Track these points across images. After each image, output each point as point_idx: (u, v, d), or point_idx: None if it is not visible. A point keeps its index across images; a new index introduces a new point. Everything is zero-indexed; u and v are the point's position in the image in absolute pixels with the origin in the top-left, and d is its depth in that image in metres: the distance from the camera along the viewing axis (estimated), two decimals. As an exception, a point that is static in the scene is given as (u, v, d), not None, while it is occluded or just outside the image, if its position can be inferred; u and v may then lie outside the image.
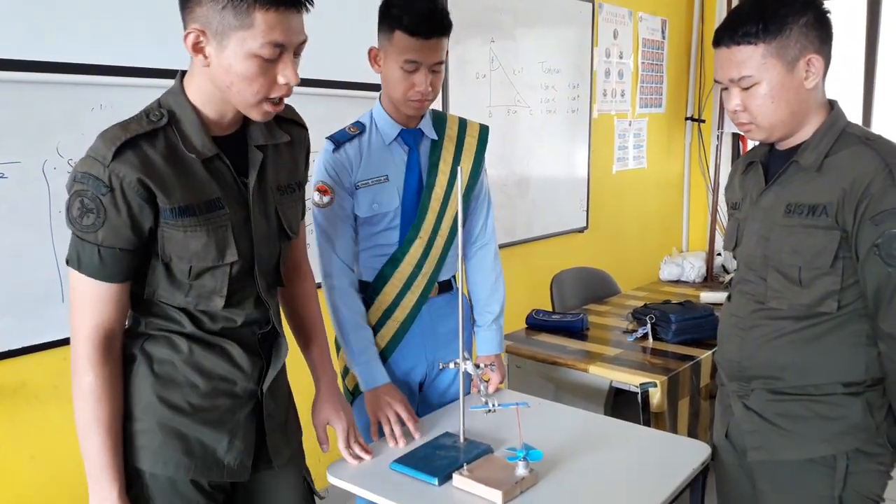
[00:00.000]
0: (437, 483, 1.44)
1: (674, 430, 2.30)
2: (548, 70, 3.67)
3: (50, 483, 2.06)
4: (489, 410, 1.51)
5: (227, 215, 1.23)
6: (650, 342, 2.58)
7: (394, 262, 1.78)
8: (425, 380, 1.87)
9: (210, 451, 1.27)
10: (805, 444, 1.42)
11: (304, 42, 1.19)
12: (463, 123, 1.86)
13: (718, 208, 4.48)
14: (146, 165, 1.15)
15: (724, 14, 4.47)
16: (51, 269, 1.98)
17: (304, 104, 2.44)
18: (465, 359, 1.56)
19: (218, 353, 1.28)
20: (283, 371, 1.42)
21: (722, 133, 4.52)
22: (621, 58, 4.23)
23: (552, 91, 3.72)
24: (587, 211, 4.06)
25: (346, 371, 1.83)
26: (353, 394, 1.81)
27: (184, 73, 1.24)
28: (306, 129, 1.43)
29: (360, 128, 1.75)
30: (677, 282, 3.81)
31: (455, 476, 1.43)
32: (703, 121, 4.75)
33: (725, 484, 1.63)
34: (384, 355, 1.80)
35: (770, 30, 1.32)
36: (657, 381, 2.20)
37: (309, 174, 1.50)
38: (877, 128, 4.15)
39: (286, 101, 1.26)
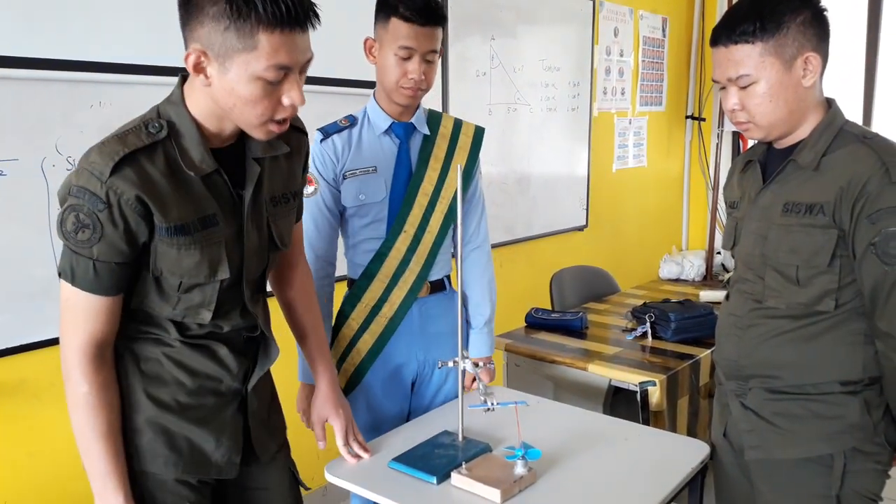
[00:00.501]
0: (435, 482, 1.44)
1: (673, 428, 2.30)
2: (548, 68, 3.66)
3: (48, 480, 2.06)
4: (488, 409, 1.51)
5: (222, 231, 1.21)
6: (649, 341, 2.57)
7: (380, 256, 1.78)
8: (417, 379, 1.86)
9: (198, 448, 1.27)
10: (803, 442, 1.42)
11: (310, 60, 1.16)
12: (458, 123, 1.86)
13: (718, 207, 4.48)
14: (144, 182, 1.12)
15: (724, 12, 4.45)
16: (49, 266, 1.97)
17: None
18: (464, 357, 1.55)
19: (204, 353, 1.27)
20: (268, 372, 1.41)
21: (722, 131, 4.52)
22: (622, 56, 4.22)
23: (552, 89, 3.71)
24: (587, 209, 4.06)
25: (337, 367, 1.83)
26: (345, 390, 1.81)
27: (184, 77, 1.20)
28: (306, 135, 1.41)
29: (350, 121, 1.77)
30: (677, 280, 3.81)
31: (454, 475, 1.43)
32: (704, 119, 4.75)
33: (723, 483, 1.63)
34: (373, 353, 1.80)
35: (768, 28, 1.31)
36: (656, 380, 2.20)
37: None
38: (877, 127, 4.14)
39: None
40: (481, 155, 1.90)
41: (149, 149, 1.14)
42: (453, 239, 1.87)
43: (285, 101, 1.14)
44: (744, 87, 1.37)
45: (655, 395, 2.20)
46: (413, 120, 1.78)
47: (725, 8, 4.45)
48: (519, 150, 3.57)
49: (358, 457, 1.55)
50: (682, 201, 4.97)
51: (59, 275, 1.16)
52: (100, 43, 2.03)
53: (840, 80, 4.16)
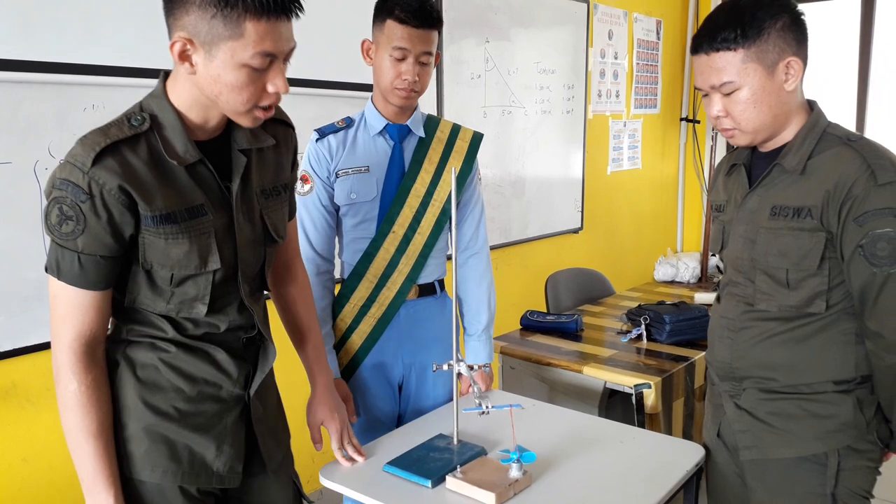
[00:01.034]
0: (430, 485, 1.43)
1: (668, 431, 2.30)
2: (543, 70, 3.67)
3: (42, 485, 2.05)
4: (483, 412, 1.51)
5: (210, 222, 1.21)
6: (644, 343, 2.57)
7: (368, 256, 1.78)
8: (403, 382, 1.86)
9: (198, 456, 1.25)
10: (797, 442, 1.42)
11: (293, 49, 1.17)
12: (456, 128, 1.87)
13: (713, 211, 4.48)
14: (127, 171, 1.12)
15: (704, 19, 4.46)
16: (41, 269, 1.96)
17: (296, 104, 2.46)
18: (458, 360, 1.55)
19: (202, 358, 1.26)
20: (270, 375, 1.40)
21: (716, 134, 4.53)
22: (616, 58, 4.23)
23: (547, 92, 3.71)
24: (582, 211, 4.06)
25: None
26: None
27: (166, 74, 1.21)
28: (293, 129, 1.41)
29: (347, 122, 1.79)
30: (672, 282, 3.81)
31: (448, 478, 1.43)
32: (698, 121, 4.76)
33: (717, 483, 1.63)
34: (361, 353, 1.80)
35: (748, 34, 1.32)
36: (651, 382, 2.20)
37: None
38: (870, 131, 4.17)
39: None
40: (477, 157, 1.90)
41: (131, 140, 1.14)
42: (449, 243, 1.88)
43: (270, 88, 1.16)
44: (727, 94, 1.37)
45: (650, 397, 2.20)
46: (409, 122, 1.78)
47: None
48: (514, 152, 3.57)
49: (352, 460, 1.54)
50: (676, 203, 4.98)
51: (46, 270, 1.16)
52: (93, 46, 2.03)
53: (833, 86, 4.19)
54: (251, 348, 1.34)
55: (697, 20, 4.69)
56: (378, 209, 1.78)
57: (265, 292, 1.40)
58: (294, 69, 1.22)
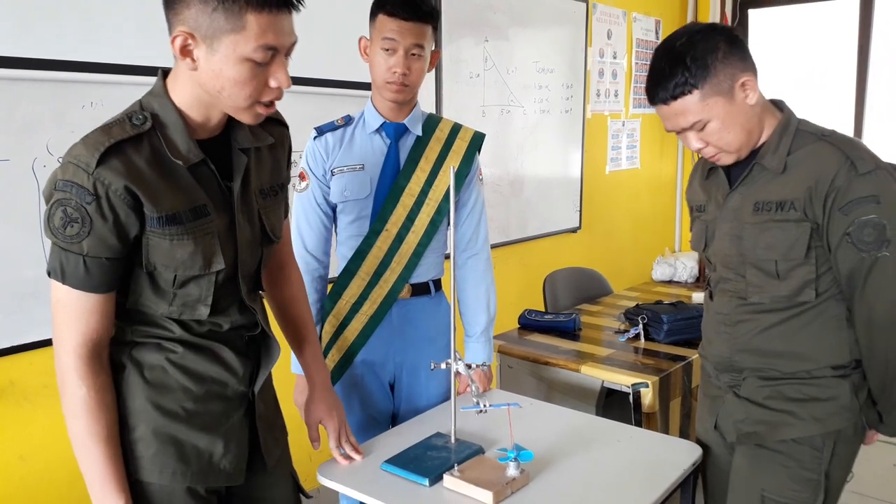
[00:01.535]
0: (427, 484, 1.43)
1: (665, 430, 2.30)
2: (541, 70, 3.67)
3: (39, 483, 2.05)
4: (480, 411, 1.51)
5: (213, 222, 1.20)
6: (642, 342, 2.58)
7: (360, 254, 1.79)
8: (395, 381, 1.86)
9: (206, 456, 1.24)
10: (797, 423, 1.46)
11: (294, 43, 1.16)
12: (456, 127, 1.86)
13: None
14: (132, 172, 1.10)
15: (716, 16, 4.48)
16: (40, 267, 1.96)
17: (295, 103, 2.46)
18: (456, 359, 1.55)
19: (208, 356, 1.25)
20: (269, 372, 1.41)
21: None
22: (615, 58, 4.24)
23: (546, 91, 3.72)
24: (580, 211, 4.07)
25: None
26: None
27: (165, 72, 1.20)
28: (287, 128, 1.41)
29: (346, 120, 1.80)
30: (670, 282, 3.82)
31: (446, 477, 1.43)
32: (697, 121, 4.76)
33: (713, 476, 1.65)
34: (353, 350, 1.81)
35: (698, 74, 1.36)
36: (649, 382, 2.20)
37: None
38: (868, 131, 4.18)
39: None
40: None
41: (134, 140, 1.12)
42: (447, 242, 1.88)
43: (272, 83, 1.14)
44: (700, 129, 1.41)
45: (648, 396, 2.20)
46: (406, 121, 1.78)
47: (718, 11, 4.48)
48: (512, 151, 3.58)
49: (350, 459, 1.54)
50: (674, 203, 4.99)
51: (49, 274, 1.13)
52: (91, 43, 2.03)
53: (832, 86, 4.20)
54: (254, 346, 1.34)
55: (696, 20, 4.69)
56: (371, 207, 1.78)
57: (260, 292, 1.40)
58: (294, 67, 1.21)
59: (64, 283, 1.12)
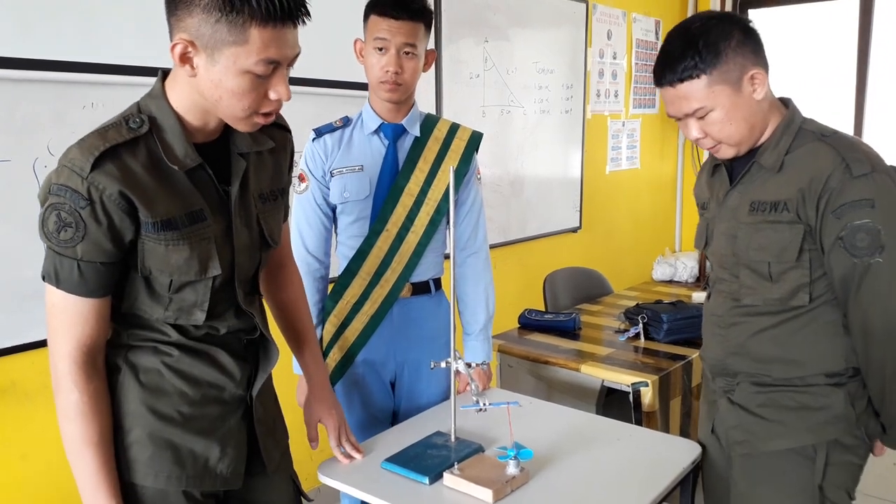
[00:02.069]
0: (427, 482, 1.44)
1: (665, 429, 2.30)
2: (541, 70, 3.68)
3: (41, 482, 2.05)
4: (480, 409, 1.51)
5: (210, 227, 1.19)
6: (642, 342, 2.58)
7: (361, 254, 1.79)
8: (396, 379, 1.87)
9: (202, 460, 1.23)
10: (788, 433, 1.43)
11: (297, 55, 1.15)
12: (454, 127, 1.87)
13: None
14: (127, 176, 1.09)
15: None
16: (40, 267, 1.97)
17: (293, 103, 2.44)
18: (456, 358, 1.56)
19: (205, 360, 1.24)
20: (269, 375, 1.39)
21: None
22: (615, 58, 4.24)
23: (546, 91, 3.72)
24: (580, 211, 4.07)
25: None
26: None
27: (165, 73, 1.19)
28: (290, 132, 1.40)
29: (345, 121, 1.81)
30: (670, 282, 3.82)
31: (446, 475, 1.43)
32: (697, 121, 4.76)
33: (711, 479, 1.64)
34: (353, 350, 1.81)
35: (708, 59, 1.34)
36: (649, 381, 2.21)
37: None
38: (868, 131, 4.18)
39: None
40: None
41: (130, 144, 1.11)
42: (447, 242, 1.88)
43: (272, 95, 1.13)
44: (701, 117, 1.39)
45: (648, 395, 2.21)
46: (404, 121, 1.79)
47: (719, 10, 4.48)
48: (512, 152, 3.58)
49: (350, 457, 1.55)
50: (675, 203, 4.99)
51: (43, 278, 1.12)
52: (92, 44, 2.03)
53: (832, 86, 4.20)
54: (252, 349, 1.33)
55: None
56: (371, 208, 1.78)
57: (258, 295, 1.39)
58: (292, 68, 1.22)
59: (58, 287, 1.11)
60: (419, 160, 1.80)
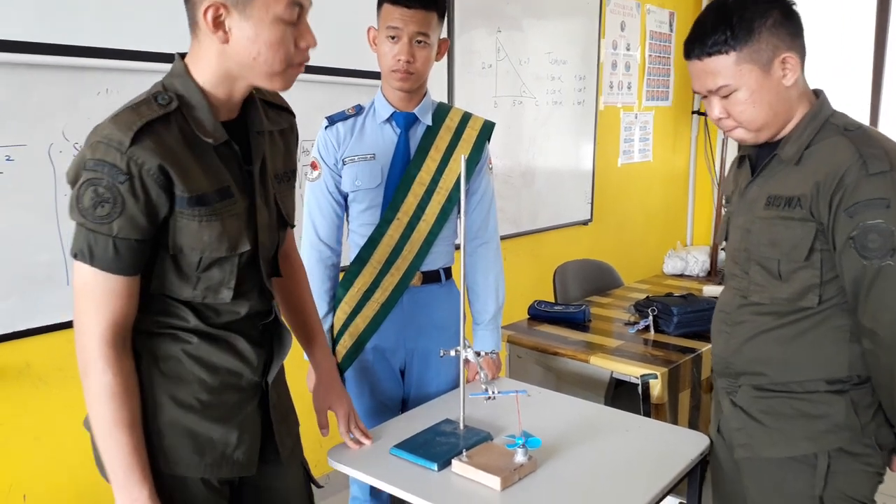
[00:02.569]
0: (436, 468, 1.45)
1: (674, 421, 2.30)
2: (554, 61, 3.66)
3: (54, 464, 2.08)
4: (489, 398, 1.52)
5: (238, 204, 1.20)
6: (652, 334, 2.58)
7: (372, 242, 1.80)
8: (406, 367, 1.88)
9: (220, 447, 1.23)
10: (787, 441, 1.40)
11: (310, 5, 1.20)
12: (466, 116, 1.87)
13: (723, 202, 4.48)
14: (165, 151, 1.09)
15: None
16: (56, 251, 1.99)
17: (305, 92, 2.47)
18: (465, 346, 1.56)
19: (223, 347, 1.24)
20: (282, 362, 1.41)
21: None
22: (628, 50, 4.22)
23: (558, 82, 3.71)
24: (592, 203, 4.06)
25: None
26: None
27: (182, 55, 1.20)
28: (294, 115, 1.42)
29: (357, 110, 1.82)
30: (681, 276, 3.81)
31: (454, 462, 1.44)
32: (710, 114, 4.73)
33: (718, 478, 1.62)
34: (364, 337, 1.82)
35: (739, 36, 1.30)
36: (658, 373, 2.20)
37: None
38: (884, 125, 4.13)
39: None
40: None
41: (162, 119, 1.12)
42: (457, 231, 1.88)
43: (301, 43, 1.17)
44: (725, 97, 1.36)
45: (657, 387, 2.20)
46: (416, 110, 1.79)
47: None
48: (524, 143, 3.57)
49: (360, 443, 1.56)
50: (687, 197, 4.97)
51: (75, 256, 1.11)
52: (108, 30, 2.04)
53: (848, 75, 4.15)
54: (267, 335, 1.34)
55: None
56: (383, 196, 1.79)
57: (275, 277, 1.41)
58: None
59: (92, 265, 1.10)
60: (431, 149, 1.81)
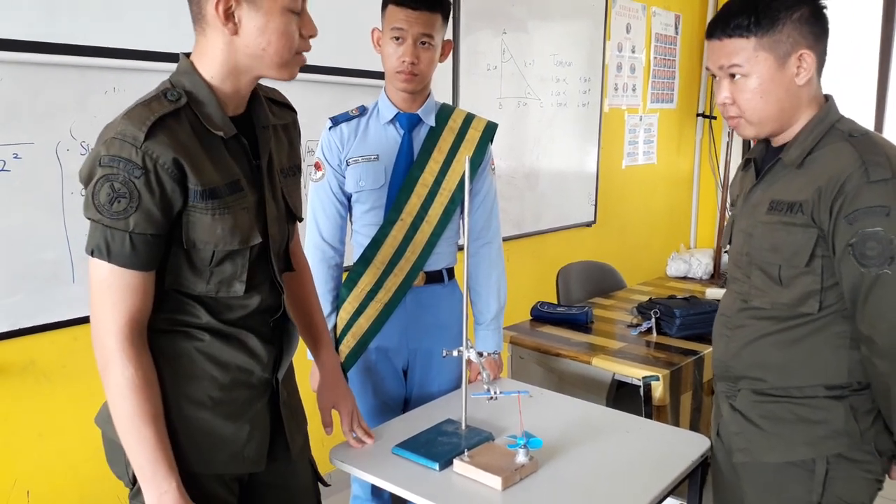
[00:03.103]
0: (437, 468, 1.45)
1: (676, 423, 2.30)
2: (559, 63, 3.67)
3: (57, 461, 2.09)
4: (491, 398, 1.53)
5: (247, 197, 1.22)
6: (654, 336, 2.58)
7: (375, 243, 1.81)
8: (409, 367, 1.88)
9: (231, 444, 1.24)
10: (786, 446, 1.40)
11: None
12: (469, 117, 1.88)
13: (728, 206, 4.47)
14: (178, 145, 1.11)
15: (722, 4, 4.44)
16: (62, 249, 2.00)
17: (309, 92, 2.48)
18: (468, 347, 1.57)
19: (234, 345, 1.25)
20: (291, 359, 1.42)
21: (732, 130, 4.49)
22: (633, 52, 4.22)
23: (563, 84, 3.71)
24: (595, 205, 4.06)
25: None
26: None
27: (186, 55, 1.21)
28: (295, 112, 1.43)
29: (361, 110, 1.82)
30: (684, 278, 3.80)
31: (456, 462, 1.45)
32: (715, 117, 4.74)
33: (718, 481, 1.62)
34: (367, 337, 1.83)
35: (762, 23, 1.31)
36: (660, 375, 2.21)
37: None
38: (889, 132, 4.11)
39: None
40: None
41: (173, 114, 1.13)
42: (460, 231, 1.89)
43: (304, 32, 1.21)
44: (735, 80, 1.36)
45: (658, 389, 2.21)
46: (419, 111, 1.80)
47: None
48: (528, 144, 3.58)
49: (362, 442, 1.57)
50: (691, 199, 4.96)
51: (92, 253, 1.12)
52: (115, 29, 2.05)
53: (853, 80, 4.14)
54: (277, 332, 1.34)
55: (716, 15, 4.66)
56: (386, 197, 1.80)
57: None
58: (308, 57, 1.24)
59: (110, 261, 1.11)
60: (434, 150, 1.81)
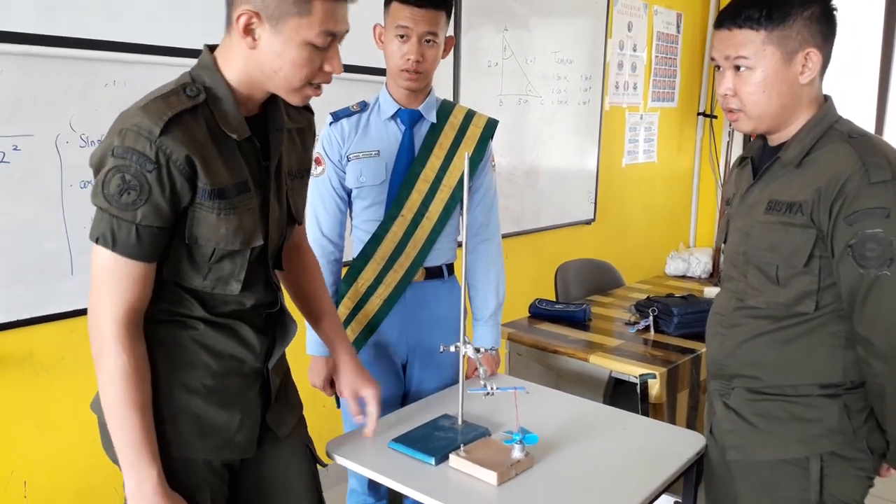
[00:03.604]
0: (433, 463, 1.46)
1: (672, 421, 2.31)
2: (560, 60, 3.66)
3: (57, 452, 2.10)
4: (487, 393, 1.53)
5: (253, 199, 1.22)
6: (652, 334, 2.59)
7: (376, 238, 1.81)
8: (407, 363, 1.89)
9: (223, 431, 1.27)
10: (779, 444, 1.41)
11: (347, 31, 1.21)
12: (470, 114, 1.88)
13: (723, 204, 4.47)
14: (192, 142, 1.12)
15: None
16: (61, 241, 2.01)
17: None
18: (465, 342, 1.57)
19: (228, 334, 1.26)
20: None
21: (733, 130, 4.51)
22: (635, 50, 4.22)
23: (564, 82, 3.71)
24: (595, 203, 4.06)
25: None
26: None
27: (211, 47, 1.22)
28: (313, 114, 1.44)
29: (362, 106, 1.82)
30: (683, 277, 3.81)
31: (452, 456, 1.45)
32: (716, 117, 4.74)
33: (711, 479, 1.62)
34: (366, 332, 1.84)
35: (774, 17, 1.31)
36: (657, 373, 2.21)
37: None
38: (889, 134, 4.11)
39: None
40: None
41: (191, 111, 1.14)
42: (460, 228, 1.89)
43: (326, 67, 1.19)
44: (739, 72, 1.36)
45: (655, 387, 2.21)
46: (420, 107, 1.80)
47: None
48: (529, 142, 3.58)
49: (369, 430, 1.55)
50: (690, 198, 4.96)
51: (97, 241, 1.13)
52: (116, 22, 2.05)
53: (853, 80, 4.14)
54: (271, 323, 1.36)
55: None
56: (387, 193, 1.80)
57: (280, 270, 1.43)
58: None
59: (114, 250, 1.12)
60: (435, 146, 1.82)
